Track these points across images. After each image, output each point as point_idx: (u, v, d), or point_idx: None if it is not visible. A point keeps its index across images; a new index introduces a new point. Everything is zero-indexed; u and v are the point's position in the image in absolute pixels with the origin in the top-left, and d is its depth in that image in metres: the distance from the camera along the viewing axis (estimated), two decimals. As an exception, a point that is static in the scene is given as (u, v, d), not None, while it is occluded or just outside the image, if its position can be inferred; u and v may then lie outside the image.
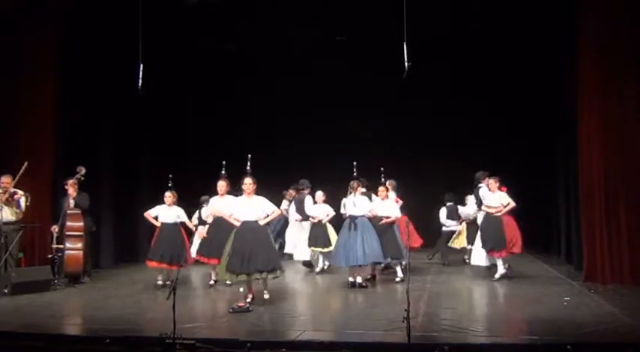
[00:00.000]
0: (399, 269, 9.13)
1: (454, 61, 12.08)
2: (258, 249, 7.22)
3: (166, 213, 9.07)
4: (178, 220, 9.12)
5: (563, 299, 7.57)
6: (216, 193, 8.89)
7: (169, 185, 9.08)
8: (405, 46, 7.81)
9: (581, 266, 8.91)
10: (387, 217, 9.08)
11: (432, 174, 11.80)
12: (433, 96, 12.64)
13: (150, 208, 9.17)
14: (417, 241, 10.33)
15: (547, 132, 11.96)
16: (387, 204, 9.25)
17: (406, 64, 7.80)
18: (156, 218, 9.10)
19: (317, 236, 10.19)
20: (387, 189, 9.39)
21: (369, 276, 9.15)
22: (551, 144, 11.74)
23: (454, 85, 12.51)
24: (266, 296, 7.50)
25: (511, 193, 9.31)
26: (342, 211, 9.07)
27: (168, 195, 9.05)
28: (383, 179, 9.26)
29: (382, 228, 8.96)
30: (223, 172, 8.90)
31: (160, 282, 8.98)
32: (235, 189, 8.04)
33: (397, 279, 9.05)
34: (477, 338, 5.92)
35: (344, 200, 9.03)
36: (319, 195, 10.54)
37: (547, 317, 6.75)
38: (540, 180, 12.08)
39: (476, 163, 12.20)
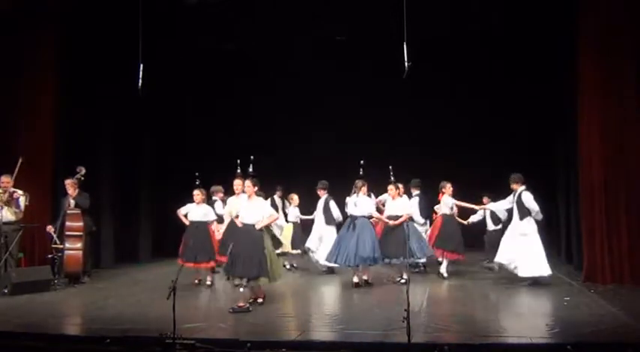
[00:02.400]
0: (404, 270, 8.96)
1: (454, 60, 12.07)
2: (247, 254, 7.20)
3: (195, 210, 9.10)
4: (206, 219, 9.08)
5: (563, 299, 7.57)
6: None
7: (197, 183, 9.14)
8: (405, 46, 7.81)
9: (581, 266, 8.92)
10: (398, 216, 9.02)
11: (432, 174, 11.75)
12: (433, 96, 12.63)
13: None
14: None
15: (547, 132, 11.95)
16: (398, 203, 9.18)
17: (406, 64, 7.79)
18: (185, 216, 9.15)
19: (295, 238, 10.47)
20: (397, 188, 9.28)
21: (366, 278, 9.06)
22: (551, 144, 11.73)
23: (454, 84, 12.50)
24: (260, 301, 7.46)
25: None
26: (347, 210, 9.03)
27: (197, 193, 9.07)
28: (392, 178, 9.21)
29: (392, 227, 8.93)
30: (239, 171, 8.78)
31: (196, 281, 9.08)
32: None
33: (402, 281, 8.84)
34: (477, 338, 5.92)
35: (347, 199, 8.99)
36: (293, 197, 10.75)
37: (547, 317, 6.76)
38: (540, 180, 12.06)
39: (476, 163, 12.25)
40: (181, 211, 9.22)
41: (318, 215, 10.37)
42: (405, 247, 8.44)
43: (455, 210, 9.79)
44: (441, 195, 9.67)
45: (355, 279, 8.73)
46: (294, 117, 13.21)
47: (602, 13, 8.55)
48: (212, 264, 9.05)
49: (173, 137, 13.01)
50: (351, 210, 8.85)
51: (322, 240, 10.37)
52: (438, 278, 9.53)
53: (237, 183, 8.61)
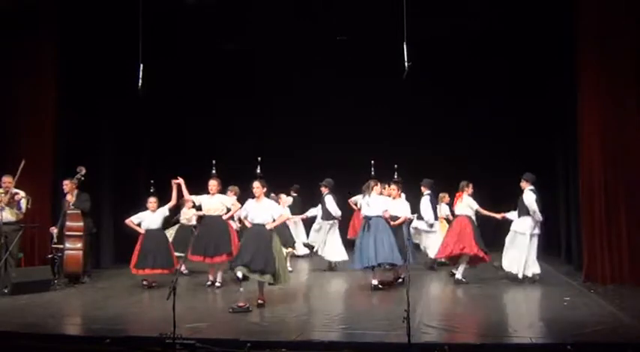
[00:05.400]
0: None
1: (454, 60, 12.07)
2: (255, 247, 7.24)
3: (152, 218, 8.97)
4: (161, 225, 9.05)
5: (563, 299, 7.57)
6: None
7: (151, 190, 9.06)
8: (405, 46, 7.81)
9: (581, 267, 8.92)
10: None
11: (431, 174, 11.78)
12: (432, 96, 12.62)
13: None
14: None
15: (547, 132, 11.95)
16: (398, 204, 9.07)
17: (406, 64, 7.79)
18: (139, 225, 8.96)
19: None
20: (399, 188, 9.21)
21: (392, 278, 9.03)
22: (551, 144, 11.73)
23: (454, 84, 12.49)
24: (260, 301, 7.45)
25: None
26: (362, 212, 8.94)
27: (153, 201, 8.98)
28: (396, 176, 9.15)
29: (393, 229, 8.70)
30: (214, 171, 8.93)
31: (145, 283, 8.96)
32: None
33: (400, 281, 8.85)
34: (477, 338, 5.93)
35: (360, 200, 8.94)
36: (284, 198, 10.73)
37: (547, 317, 6.76)
38: (540, 180, 12.05)
39: (476, 163, 12.25)
40: (133, 220, 8.94)
41: (320, 211, 10.52)
42: (404, 249, 8.48)
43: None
44: (459, 195, 9.34)
45: (375, 282, 8.55)
46: (293, 117, 13.21)
47: (602, 13, 8.54)
48: (171, 270, 8.82)
49: (173, 137, 13.01)
50: (364, 210, 8.73)
51: (320, 234, 10.44)
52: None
53: (211, 183, 8.82)
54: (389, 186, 9.19)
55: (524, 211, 8.84)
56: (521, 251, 8.85)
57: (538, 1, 9.81)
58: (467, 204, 9.18)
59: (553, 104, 11.19)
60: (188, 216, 10.02)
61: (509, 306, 7.77)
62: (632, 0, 8.45)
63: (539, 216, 8.78)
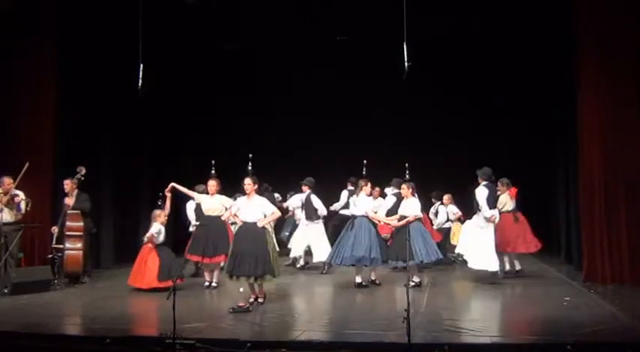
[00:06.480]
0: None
1: (454, 60, 12.07)
2: (252, 252, 7.21)
3: (164, 232, 8.89)
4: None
5: (563, 299, 7.57)
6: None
7: (159, 203, 8.94)
8: (405, 46, 7.82)
9: (581, 267, 8.91)
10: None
11: (431, 174, 11.79)
12: (432, 96, 12.62)
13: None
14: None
15: (547, 132, 11.95)
16: (408, 203, 8.89)
17: (406, 64, 7.80)
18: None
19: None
20: (409, 187, 8.95)
21: (373, 278, 9.05)
22: (551, 144, 11.73)
23: (453, 84, 12.50)
24: (260, 300, 7.48)
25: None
26: (350, 210, 9.02)
27: (159, 214, 8.87)
28: (408, 176, 9.11)
29: (398, 229, 8.66)
30: (213, 172, 8.94)
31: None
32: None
33: (411, 284, 8.33)
34: (477, 338, 5.92)
35: (350, 198, 9.02)
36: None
37: (547, 317, 6.77)
38: (540, 180, 12.08)
39: (475, 163, 12.23)
40: (154, 234, 8.76)
41: (300, 213, 10.40)
42: (407, 249, 8.11)
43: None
44: (511, 190, 9.36)
45: (358, 279, 8.63)
46: (294, 116, 13.21)
47: (602, 14, 8.54)
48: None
49: (173, 137, 13.01)
50: (351, 209, 8.85)
51: (308, 240, 10.31)
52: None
53: (211, 183, 8.82)
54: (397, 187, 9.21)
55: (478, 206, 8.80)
56: (488, 245, 8.66)
57: (538, 1, 9.81)
58: (509, 202, 9.39)
59: (553, 104, 11.18)
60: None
61: (509, 306, 7.77)
62: (632, 0, 8.45)
63: (487, 212, 8.60)
